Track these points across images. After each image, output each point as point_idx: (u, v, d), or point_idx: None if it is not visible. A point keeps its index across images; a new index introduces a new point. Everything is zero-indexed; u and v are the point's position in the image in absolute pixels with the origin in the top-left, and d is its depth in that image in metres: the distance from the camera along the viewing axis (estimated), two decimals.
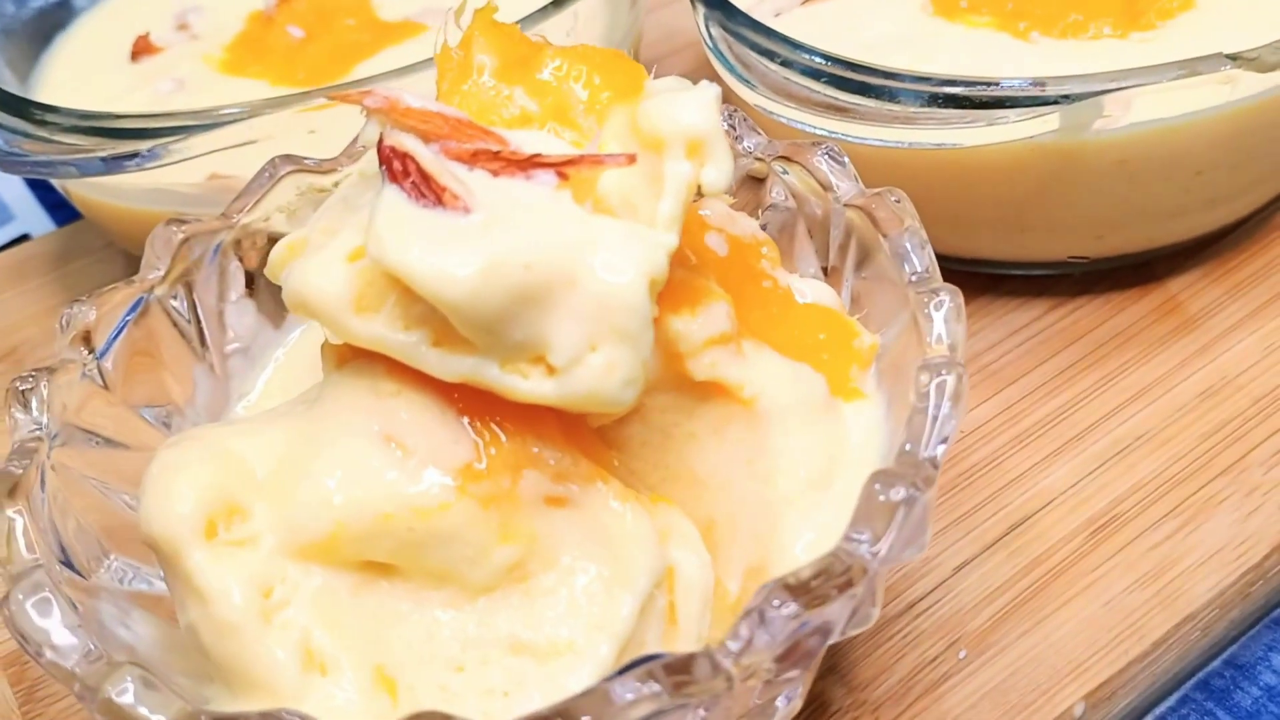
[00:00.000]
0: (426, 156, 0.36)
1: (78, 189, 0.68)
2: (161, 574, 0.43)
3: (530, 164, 0.36)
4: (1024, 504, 0.53)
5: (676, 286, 0.39)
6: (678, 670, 0.32)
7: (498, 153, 0.37)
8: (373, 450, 0.36)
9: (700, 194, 0.38)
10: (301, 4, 0.76)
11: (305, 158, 0.51)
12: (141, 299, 0.47)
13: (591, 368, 0.35)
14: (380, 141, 0.36)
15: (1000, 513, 0.53)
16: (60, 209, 0.88)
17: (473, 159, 0.37)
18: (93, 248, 0.77)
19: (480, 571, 0.37)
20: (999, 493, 0.53)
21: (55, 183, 0.74)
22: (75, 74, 0.74)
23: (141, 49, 0.76)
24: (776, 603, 0.33)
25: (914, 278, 0.43)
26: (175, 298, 0.48)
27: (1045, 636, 0.48)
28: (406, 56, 0.70)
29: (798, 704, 0.39)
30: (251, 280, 0.51)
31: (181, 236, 0.48)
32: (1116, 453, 0.54)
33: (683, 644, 0.39)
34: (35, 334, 0.71)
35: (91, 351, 0.45)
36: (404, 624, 0.37)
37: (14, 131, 0.61)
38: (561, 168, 0.36)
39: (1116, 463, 0.54)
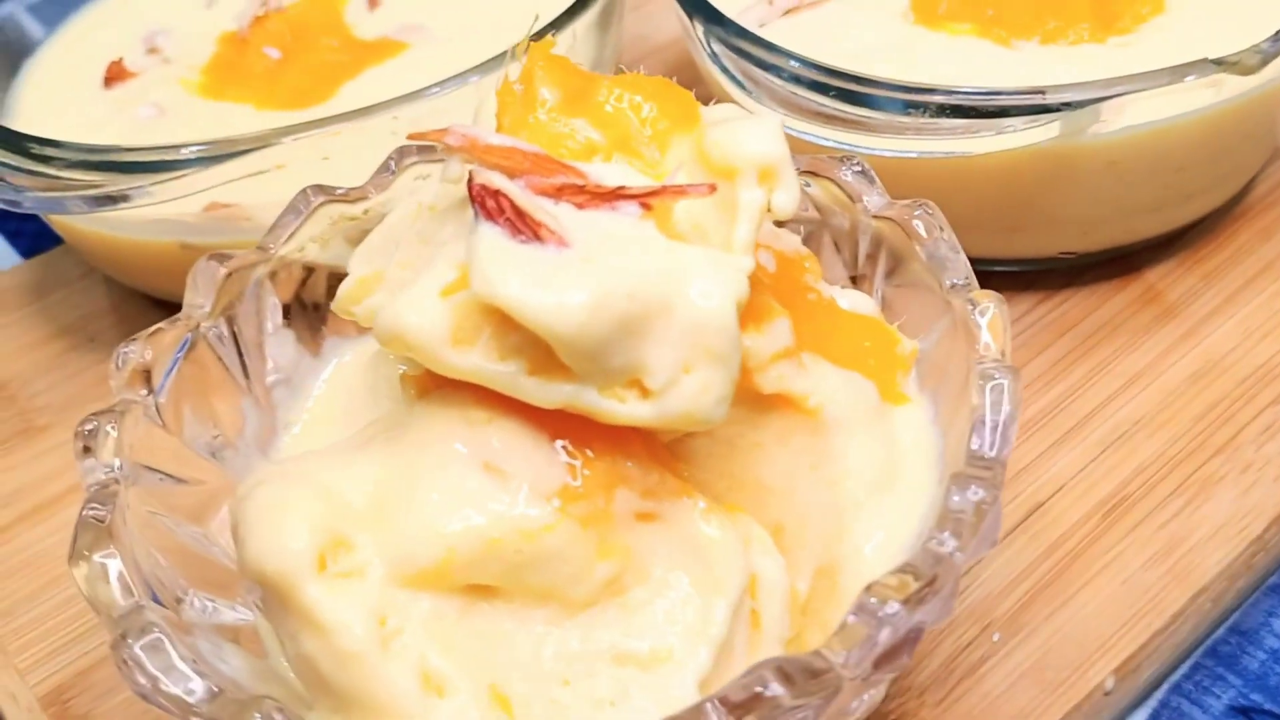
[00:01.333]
0: (519, 194, 0.37)
1: (62, 218, 0.67)
2: (235, 606, 0.44)
3: (615, 196, 0.38)
4: (1036, 491, 0.56)
5: (745, 305, 0.41)
6: (796, 673, 0.34)
7: (582, 186, 0.38)
8: (475, 478, 0.38)
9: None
10: (276, 24, 0.76)
11: (335, 187, 0.52)
12: (189, 336, 0.47)
13: (687, 389, 0.37)
14: (470, 180, 0.37)
15: (1015, 500, 0.56)
16: (19, 238, 0.86)
17: (558, 193, 0.38)
18: (69, 278, 0.77)
19: (581, 588, 0.38)
20: (1011, 481, 0.56)
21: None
22: (47, 103, 0.74)
23: (115, 74, 0.75)
24: (880, 605, 0.35)
25: (954, 285, 0.45)
26: (218, 332, 0.49)
27: (1071, 616, 0.51)
28: (389, 76, 0.71)
29: (879, 697, 0.41)
30: (288, 311, 0.52)
31: (225, 272, 0.49)
32: (1117, 438, 0.57)
33: (766, 646, 0.41)
34: (25, 368, 0.70)
35: (150, 391, 0.45)
36: (510, 643, 0.38)
37: (7, 167, 0.61)
38: (645, 199, 0.38)
39: (1118, 448, 0.57)
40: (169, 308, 0.70)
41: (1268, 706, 0.51)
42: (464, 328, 0.37)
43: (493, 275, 0.36)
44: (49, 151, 0.60)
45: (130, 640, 0.37)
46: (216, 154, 0.58)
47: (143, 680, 0.36)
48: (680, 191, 0.38)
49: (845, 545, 0.42)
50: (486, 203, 0.37)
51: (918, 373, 0.47)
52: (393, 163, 0.53)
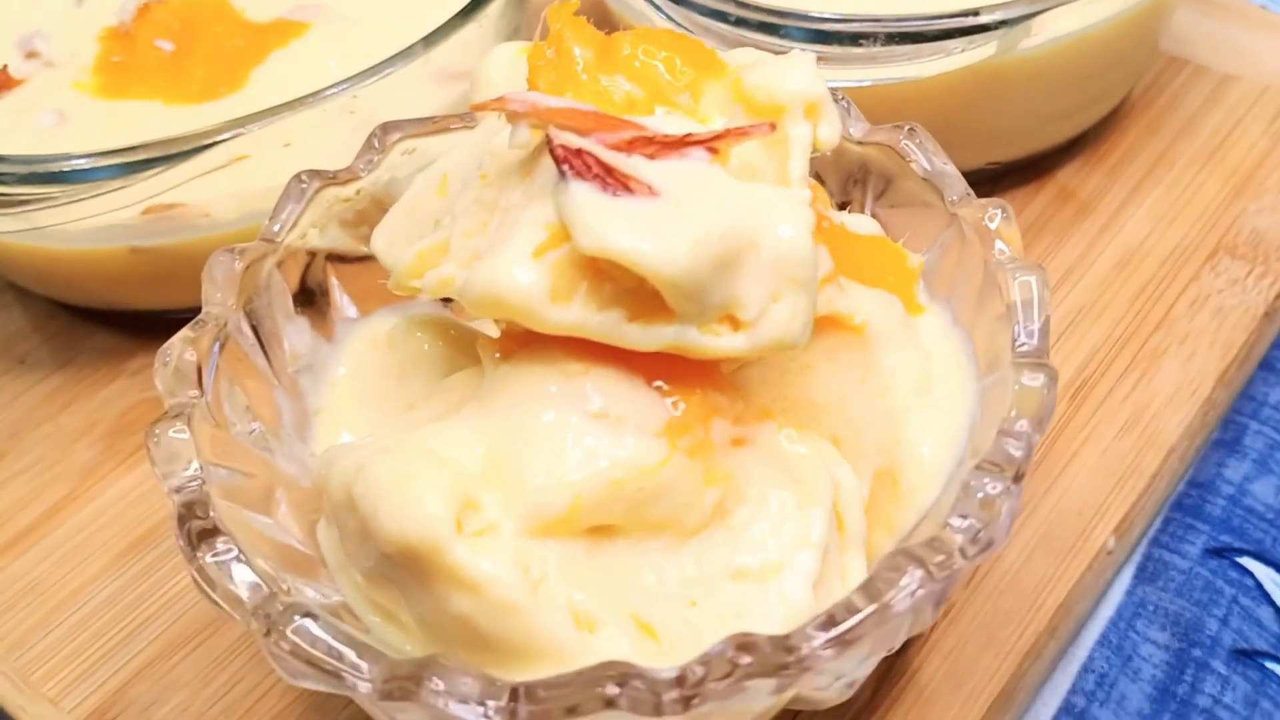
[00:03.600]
0: (602, 151, 0.39)
1: None
2: (319, 588, 0.45)
3: (683, 143, 0.40)
4: None
5: None
6: (927, 554, 0.37)
7: (651, 138, 0.40)
8: (587, 426, 0.39)
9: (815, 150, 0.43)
10: (161, 15, 0.74)
11: (326, 171, 0.52)
12: (222, 333, 0.47)
13: (777, 317, 0.40)
14: (551, 142, 0.39)
15: None
16: None
17: (629, 146, 0.40)
18: None
19: (693, 515, 0.41)
20: None
21: None
22: None
23: (1, 84, 0.72)
24: (992, 483, 0.39)
25: (957, 198, 0.49)
26: (240, 326, 0.49)
27: (1065, 489, 0.56)
28: (299, 57, 0.70)
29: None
30: (297, 298, 0.52)
31: (242, 265, 0.49)
32: (1067, 327, 0.63)
33: (850, 546, 0.44)
34: None
35: (202, 391, 0.45)
36: (636, 575, 0.40)
37: None
38: (711, 143, 0.40)
39: (1069, 336, 0.62)
40: (100, 318, 0.70)
41: (1237, 544, 0.57)
42: (560, 285, 0.39)
43: (598, 229, 0.37)
44: None
45: (283, 627, 0.37)
46: (175, 152, 0.57)
47: (309, 665, 0.37)
48: (743, 133, 0.40)
49: (900, 450, 0.46)
50: (574, 162, 0.38)
51: (925, 284, 0.50)
52: (376, 140, 0.53)
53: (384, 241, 0.48)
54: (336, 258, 0.53)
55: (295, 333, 0.51)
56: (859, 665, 0.40)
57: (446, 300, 0.55)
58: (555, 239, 0.39)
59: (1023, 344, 0.43)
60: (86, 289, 0.66)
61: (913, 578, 0.37)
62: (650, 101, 0.43)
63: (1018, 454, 0.40)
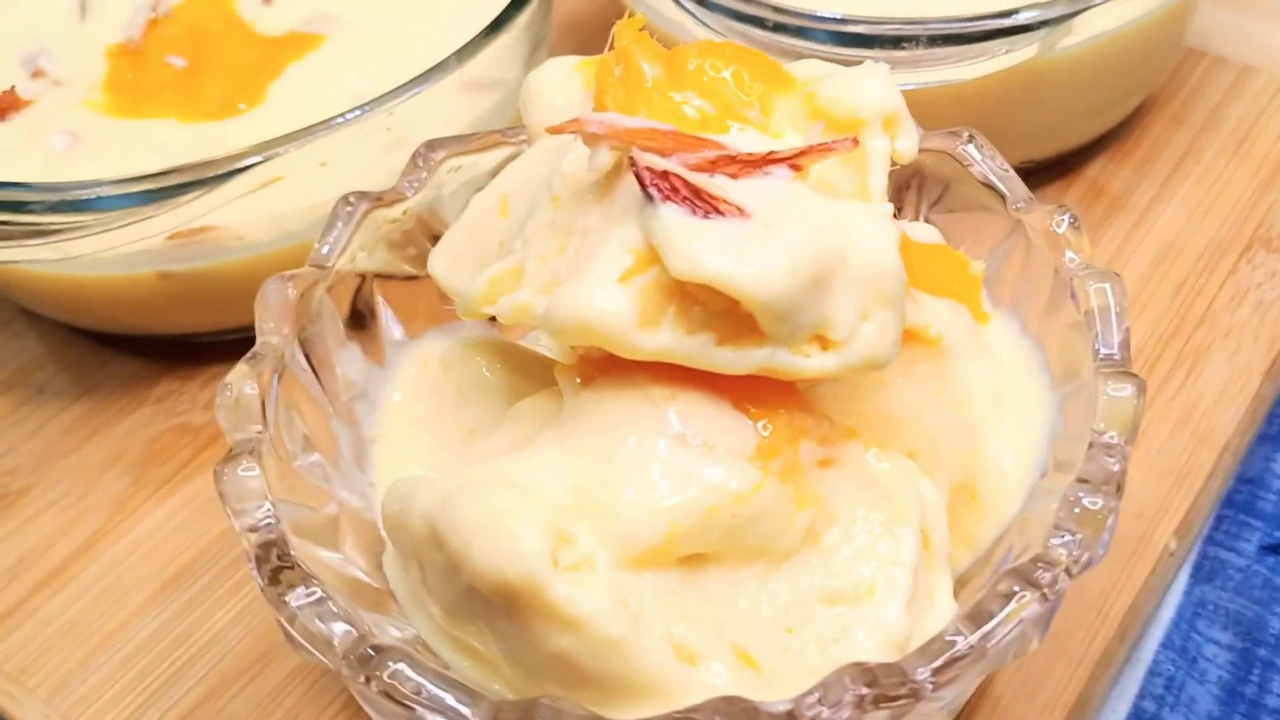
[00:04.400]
0: (688, 173, 0.38)
1: None
2: (392, 624, 0.44)
3: (766, 161, 0.39)
4: None
5: None
6: (1037, 573, 0.37)
7: (734, 156, 0.39)
8: (678, 452, 0.39)
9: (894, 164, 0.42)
10: (171, 30, 0.72)
11: (372, 193, 0.51)
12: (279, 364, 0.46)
13: (867, 336, 0.39)
14: (634, 165, 0.38)
15: None
16: None
17: (712, 166, 0.39)
18: None
19: (786, 540, 0.40)
20: None
21: None
22: None
23: (8, 105, 0.70)
24: (1098, 498, 0.39)
25: (1022, 203, 0.48)
26: (296, 356, 0.47)
27: (1125, 493, 0.56)
28: (316, 70, 0.69)
29: None
30: (348, 323, 0.51)
31: (296, 293, 0.47)
32: None
33: (937, 563, 0.43)
34: None
35: (265, 426, 0.44)
36: (731, 603, 0.39)
37: None
38: (793, 161, 0.39)
39: None
40: (119, 343, 0.68)
41: None
42: (648, 310, 0.38)
43: (692, 254, 0.36)
44: (16, 196, 0.56)
45: (380, 673, 0.36)
46: (209, 176, 0.56)
47: (407, 709, 0.36)
48: (827, 149, 0.40)
49: (978, 462, 0.45)
50: (661, 185, 0.37)
51: (988, 292, 0.50)
52: (420, 159, 0.52)
53: (443, 265, 0.47)
54: (383, 280, 0.52)
55: (348, 359, 0.50)
56: (966, 691, 0.40)
57: (492, 319, 0.54)
58: (642, 263, 0.38)
59: (1105, 354, 0.43)
60: (111, 315, 0.65)
61: (1024, 599, 0.37)
62: (722, 118, 0.42)
63: (1115, 467, 0.40)
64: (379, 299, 0.52)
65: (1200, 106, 0.73)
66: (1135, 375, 0.42)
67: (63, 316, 0.68)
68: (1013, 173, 0.49)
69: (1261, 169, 0.69)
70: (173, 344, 0.68)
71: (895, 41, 0.57)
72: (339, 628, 0.38)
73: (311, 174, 0.57)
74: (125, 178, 0.55)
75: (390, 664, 0.36)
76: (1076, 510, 0.39)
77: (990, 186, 0.49)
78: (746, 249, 0.37)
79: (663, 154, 0.39)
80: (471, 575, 0.37)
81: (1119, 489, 0.39)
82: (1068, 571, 0.38)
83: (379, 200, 0.51)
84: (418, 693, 0.36)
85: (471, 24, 0.68)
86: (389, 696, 0.36)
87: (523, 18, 0.62)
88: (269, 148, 0.56)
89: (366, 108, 0.57)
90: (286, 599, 0.38)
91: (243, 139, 0.62)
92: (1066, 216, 0.47)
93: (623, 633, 0.37)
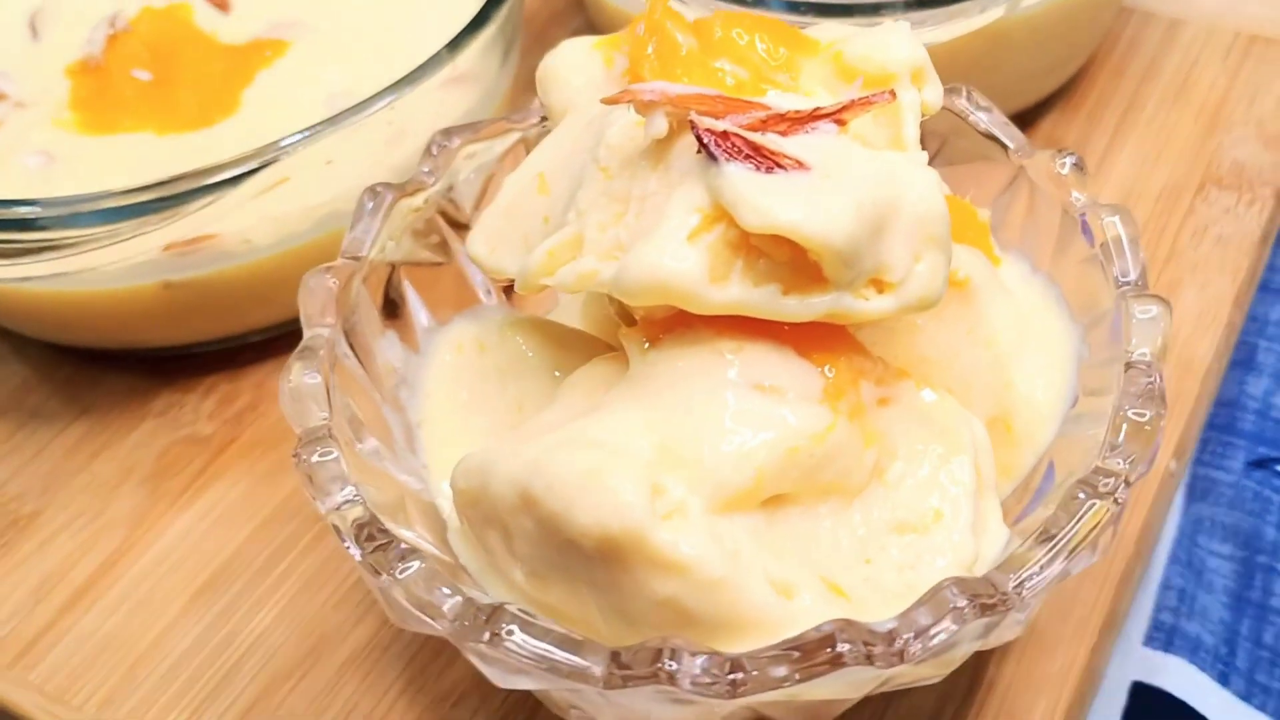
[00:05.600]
0: (748, 132, 0.40)
1: None
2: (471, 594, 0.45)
3: (812, 118, 0.41)
4: None
5: None
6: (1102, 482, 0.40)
7: (783, 115, 0.41)
8: (755, 400, 0.41)
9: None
10: (129, 45, 0.72)
11: (395, 183, 0.52)
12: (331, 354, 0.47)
13: (920, 276, 0.41)
14: (695, 127, 0.40)
15: None
16: None
17: (764, 125, 0.41)
18: None
19: (856, 476, 0.42)
20: None
21: None
22: None
23: None
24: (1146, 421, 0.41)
25: (1021, 148, 0.51)
26: (343, 347, 0.48)
27: None
28: (289, 74, 0.69)
29: None
30: (383, 312, 0.52)
31: (339, 284, 0.48)
32: None
33: (986, 491, 0.46)
34: None
35: (329, 414, 0.45)
36: (813, 539, 0.42)
37: None
38: (837, 116, 0.41)
39: None
40: (109, 360, 0.67)
41: (1275, 454, 0.61)
42: (717, 265, 0.40)
43: (763, 207, 0.38)
44: (23, 213, 0.55)
45: (498, 632, 0.37)
46: (217, 180, 0.56)
47: (534, 664, 0.37)
48: (867, 103, 0.42)
49: (1010, 395, 0.48)
50: (723, 144, 0.39)
51: (995, 237, 0.53)
52: (435, 147, 0.53)
53: (484, 247, 0.48)
54: (410, 268, 0.53)
55: (387, 347, 0.51)
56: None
57: (509, 295, 0.56)
58: (708, 221, 0.40)
59: (1127, 279, 0.46)
60: (110, 330, 0.65)
61: (1096, 507, 0.39)
62: (756, 82, 0.44)
63: (1154, 382, 0.42)
64: (409, 288, 0.53)
65: (1137, 60, 0.77)
66: (1160, 296, 0.45)
67: (53, 336, 0.67)
68: (1010, 123, 0.52)
69: (1202, 114, 0.73)
70: (167, 357, 0.67)
71: (874, 7, 0.59)
72: (447, 594, 0.39)
73: (317, 173, 0.58)
74: (133, 187, 0.55)
75: (505, 624, 0.38)
76: (1126, 426, 0.41)
77: (991, 137, 0.52)
78: (813, 199, 0.39)
79: (716, 117, 0.41)
80: (572, 533, 0.39)
81: (1163, 400, 0.42)
82: (1127, 481, 0.40)
83: (402, 190, 0.52)
84: (537, 648, 0.37)
85: (432, 22, 0.69)
86: (516, 653, 0.37)
87: (504, 9, 0.63)
88: (276, 148, 0.56)
89: (374, 102, 0.57)
90: (395, 572, 0.39)
91: (225, 147, 0.62)
92: (1069, 159, 0.49)
93: (725, 573, 0.38)
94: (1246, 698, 0.53)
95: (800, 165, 0.39)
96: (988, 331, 0.48)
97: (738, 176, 0.39)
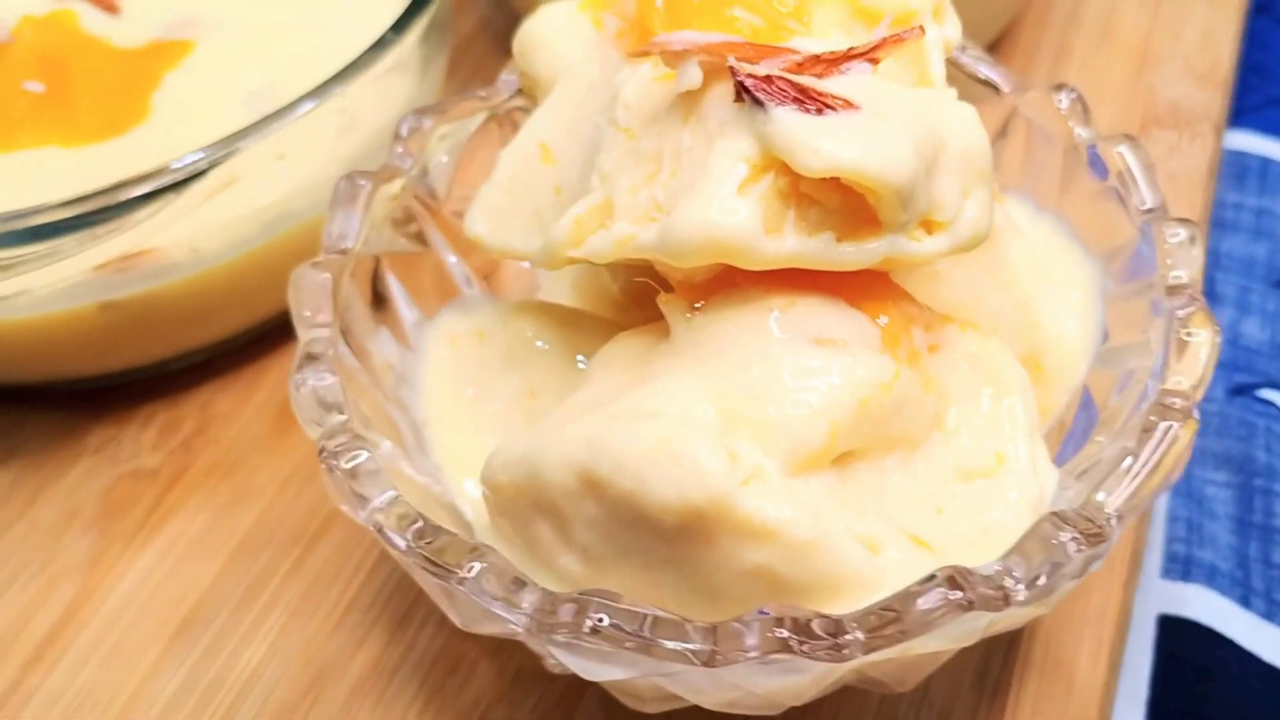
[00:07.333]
0: (791, 76, 0.38)
1: None
2: None
3: (846, 58, 0.40)
4: None
5: None
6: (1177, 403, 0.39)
7: (818, 57, 0.39)
8: (818, 354, 0.39)
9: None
10: (15, 56, 0.67)
11: (370, 172, 0.49)
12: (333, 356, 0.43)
13: (970, 212, 0.40)
14: (736, 74, 0.38)
15: None
16: None
17: (800, 69, 0.39)
18: None
19: (920, 425, 0.41)
20: None
21: None
22: None
23: None
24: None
25: (1013, 88, 0.50)
26: (342, 347, 0.45)
27: None
28: (198, 74, 0.65)
29: None
30: (373, 307, 0.48)
31: (331, 280, 0.45)
32: None
33: (1035, 432, 0.45)
34: None
35: (346, 416, 0.41)
36: (884, 492, 0.40)
37: None
38: (871, 54, 0.40)
39: None
40: (25, 397, 0.62)
41: (1252, 380, 0.62)
42: (770, 216, 0.38)
43: (823, 149, 0.36)
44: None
45: (589, 620, 0.35)
46: (164, 185, 0.51)
47: (626, 650, 0.35)
48: (899, 40, 0.40)
49: (1037, 335, 0.47)
50: (768, 90, 0.37)
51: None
52: (405, 130, 0.50)
53: (485, 225, 0.45)
54: (392, 259, 0.50)
55: (382, 344, 0.48)
56: None
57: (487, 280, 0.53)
58: (757, 171, 0.38)
59: (1148, 207, 0.45)
60: (36, 362, 0.59)
61: (1173, 429, 0.38)
62: (773, 29, 0.42)
63: (1195, 305, 0.42)
64: (392, 279, 0.49)
65: (1057, 9, 0.78)
66: (1187, 219, 0.44)
67: None
68: (999, 66, 0.51)
69: (1131, 56, 0.74)
70: (95, 389, 0.62)
71: None
72: (526, 587, 0.36)
73: (269, 169, 0.54)
74: (70, 199, 0.51)
75: (593, 612, 0.35)
76: (1185, 349, 0.41)
77: (983, 81, 0.51)
78: (870, 138, 0.37)
79: (751, 63, 0.39)
80: (650, 509, 0.36)
81: (1211, 320, 0.41)
82: (1193, 400, 0.40)
83: (381, 177, 0.48)
84: (633, 631, 0.35)
85: (343, 14, 0.66)
86: (609, 640, 0.34)
87: None
88: (226, 145, 0.52)
89: (327, 90, 0.54)
90: (464, 570, 0.36)
91: (142, 155, 0.58)
92: (1067, 94, 0.49)
93: (815, 534, 0.36)
94: (1269, 617, 0.53)
95: (850, 105, 0.38)
96: (1010, 272, 0.47)
97: (790, 120, 0.37)
